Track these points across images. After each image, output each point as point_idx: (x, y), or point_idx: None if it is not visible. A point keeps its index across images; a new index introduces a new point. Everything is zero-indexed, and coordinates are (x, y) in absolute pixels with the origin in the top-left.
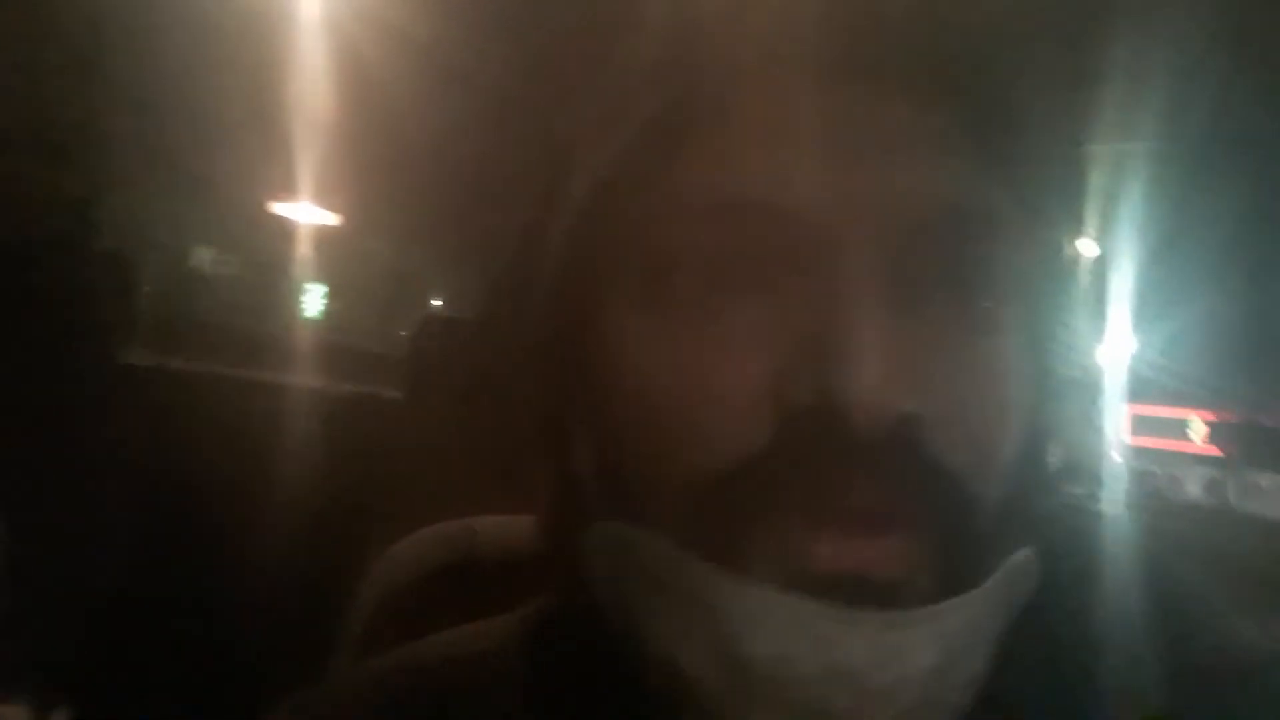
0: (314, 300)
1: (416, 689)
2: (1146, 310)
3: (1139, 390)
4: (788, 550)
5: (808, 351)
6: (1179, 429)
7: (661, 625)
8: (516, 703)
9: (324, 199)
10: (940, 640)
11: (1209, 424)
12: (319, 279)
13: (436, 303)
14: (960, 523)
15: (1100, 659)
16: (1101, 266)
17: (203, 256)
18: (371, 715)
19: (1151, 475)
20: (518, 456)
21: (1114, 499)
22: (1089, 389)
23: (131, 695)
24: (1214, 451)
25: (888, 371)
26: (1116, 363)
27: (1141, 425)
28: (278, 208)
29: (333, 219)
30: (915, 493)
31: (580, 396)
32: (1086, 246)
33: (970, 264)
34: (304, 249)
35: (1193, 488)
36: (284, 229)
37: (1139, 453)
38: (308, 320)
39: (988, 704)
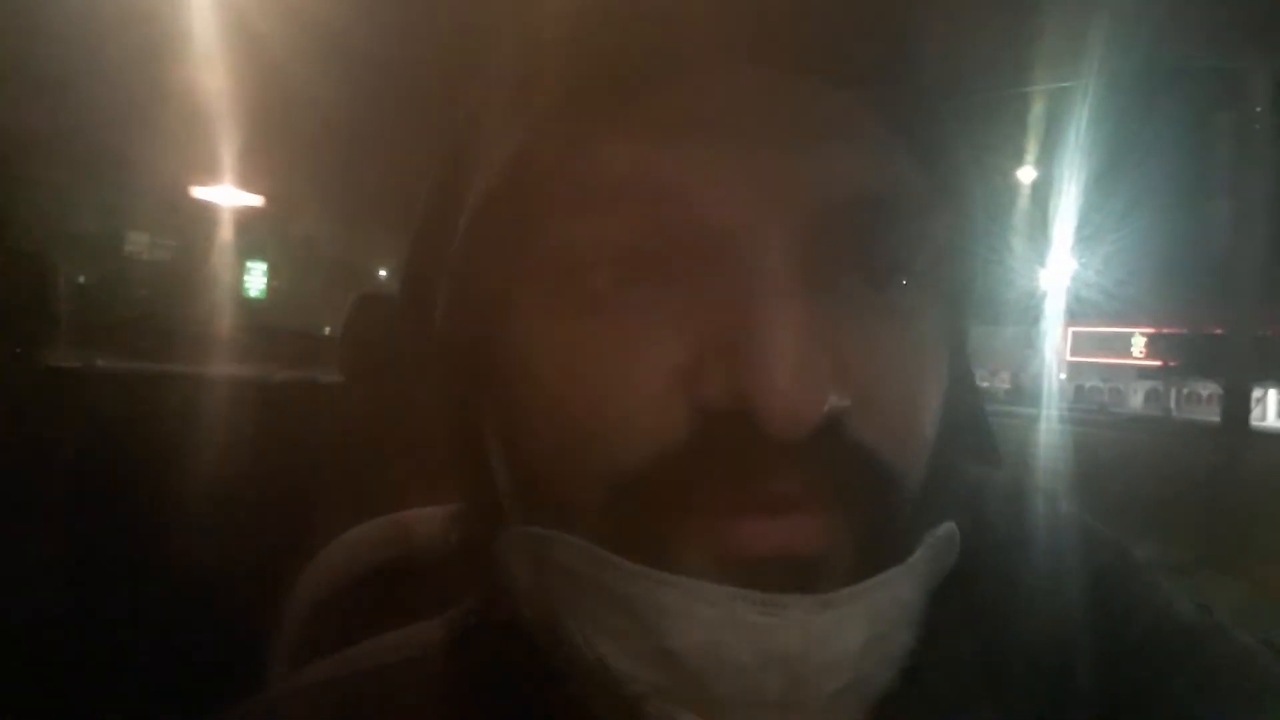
0: (255, 279)
1: (347, 700)
2: (1088, 233)
3: (1082, 309)
4: (709, 540)
5: (723, 349)
6: (1122, 343)
7: (587, 627)
8: (446, 711)
9: (251, 181)
10: (870, 617)
11: (1149, 337)
12: (258, 257)
13: (383, 273)
14: (883, 501)
15: (1026, 630)
16: (1043, 195)
17: (138, 241)
18: None
19: (1096, 389)
20: (448, 447)
21: (1059, 414)
22: (1032, 312)
23: (59, 703)
24: (1155, 363)
25: (805, 369)
26: (1059, 284)
27: (1085, 342)
28: (205, 192)
29: (259, 200)
30: (837, 477)
31: (492, 396)
32: (1027, 175)
33: (886, 244)
34: (238, 230)
35: (1135, 399)
36: (214, 213)
37: (1083, 368)
38: (250, 300)
39: (913, 675)
